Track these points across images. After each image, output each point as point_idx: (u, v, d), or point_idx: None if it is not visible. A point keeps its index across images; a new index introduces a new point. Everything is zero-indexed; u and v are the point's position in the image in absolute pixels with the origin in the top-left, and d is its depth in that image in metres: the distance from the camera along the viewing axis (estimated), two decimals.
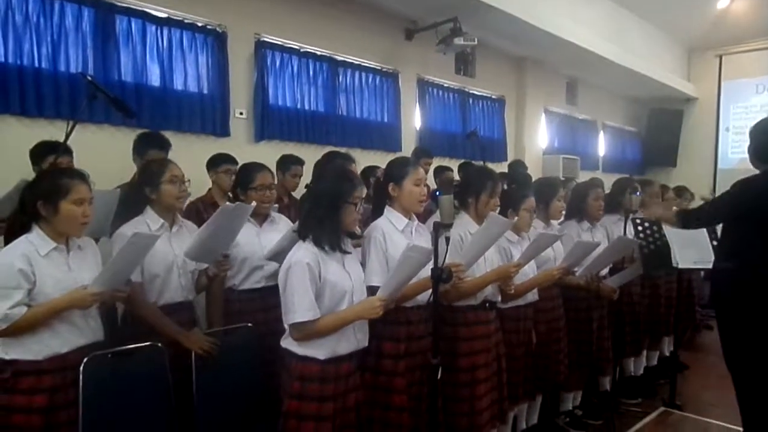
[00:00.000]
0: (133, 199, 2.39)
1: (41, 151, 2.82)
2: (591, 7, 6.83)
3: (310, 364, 1.96)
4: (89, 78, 2.65)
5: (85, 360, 1.92)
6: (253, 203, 2.46)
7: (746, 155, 3.06)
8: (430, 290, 2.07)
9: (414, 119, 5.81)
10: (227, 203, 2.43)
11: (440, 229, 2.01)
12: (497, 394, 2.62)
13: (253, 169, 2.75)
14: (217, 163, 3.41)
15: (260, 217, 2.72)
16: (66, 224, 1.94)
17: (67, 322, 1.92)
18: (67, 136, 2.62)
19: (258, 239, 2.67)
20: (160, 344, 2.18)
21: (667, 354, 4.59)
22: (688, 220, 3.24)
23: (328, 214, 1.99)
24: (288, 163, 3.79)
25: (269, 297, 2.63)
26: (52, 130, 3.21)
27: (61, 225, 1.93)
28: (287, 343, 2.01)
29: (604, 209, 3.71)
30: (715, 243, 3.41)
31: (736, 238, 2.94)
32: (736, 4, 7.42)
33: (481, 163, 5.09)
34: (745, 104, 8.63)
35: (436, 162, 5.30)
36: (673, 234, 3.49)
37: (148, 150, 3.12)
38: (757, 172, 2.98)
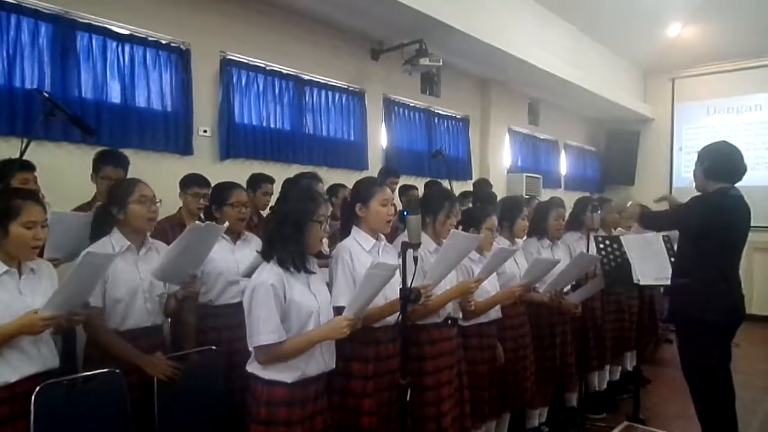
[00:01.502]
0: (100, 220, 2.32)
1: (5, 170, 2.71)
2: (552, 32, 7.04)
3: (276, 389, 1.91)
4: (45, 94, 2.57)
5: (36, 389, 1.82)
6: (226, 224, 2.44)
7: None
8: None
9: (380, 138, 5.83)
10: (197, 222, 2.38)
11: (408, 249, 2.01)
12: (459, 411, 2.62)
13: (228, 186, 2.81)
14: (186, 184, 3.35)
15: (234, 234, 2.78)
16: (15, 247, 1.86)
17: (16, 349, 1.82)
18: (22, 153, 2.54)
19: (233, 255, 2.71)
20: (118, 370, 2.09)
21: (630, 369, 4.67)
22: (648, 221, 3.41)
23: (293, 235, 1.97)
24: (258, 181, 3.76)
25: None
26: (7, 148, 3.10)
27: (11, 248, 1.86)
28: (253, 367, 1.96)
29: (566, 227, 3.79)
30: (674, 260, 3.51)
31: (693, 255, 3.04)
32: (687, 31, 7.78)
33: (447, 182, 5.16)
34: (696, 125, 8.99)
35: (402, 181, 5.32)
36: (633, 251, 3.57)
37: (103, 167, 3.05)
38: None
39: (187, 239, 2.17)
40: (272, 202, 3.78)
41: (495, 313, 2.95)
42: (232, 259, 2.68)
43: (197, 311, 2.66)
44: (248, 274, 2.44)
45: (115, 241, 2.27)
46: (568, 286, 3.59)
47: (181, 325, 2.59)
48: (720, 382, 2.96)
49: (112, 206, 2.29)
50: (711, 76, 8.73)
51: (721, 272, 2.97)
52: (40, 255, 2.06)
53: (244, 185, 3.50)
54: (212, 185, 3.01)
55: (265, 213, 3.85)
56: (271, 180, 3.82)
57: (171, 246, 2.23)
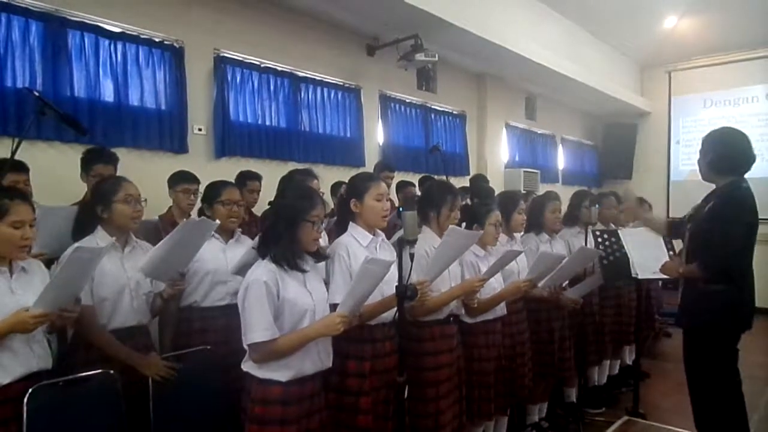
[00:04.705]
0: (84, 218, 2.29)
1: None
2: (549, 26, 7.02)
3: (271, 387, 1.89)
4: (36, 93, 2.54)
5: (29, 391, 1.80)
6: (217, 221, 2.40)
7: (695, 167, 2.97)
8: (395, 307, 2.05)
9: (377, 134, 5.81)
10: (191, 217, 2.36)
11: (404, 245, 1.99)
12: (458, 409, 2.61)
13: (220, 185, 2.76)
14: (175, 181, 3.32)
15: (226, 233, 2.71)
16: (3, 247, 1.83)
17: (8, 350, 1.80)
18: (13, 153, 2.51)
19: (224, 255, 2.64)
20: (112, 371, 2.07)
21: (629, 363, 4.66)
22: (710, 271, 2.78)
23: (286, 232, 1.95)
24: (244, 178, 3.74)
25: (233, 315, 2.56)
26: None
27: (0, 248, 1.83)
28: (248, 366, 1.94)
29: (564, 222, 3.77)
30: (672, 253, 3.44)
31: (709, 258, 2.72)
32: (683, 24, 7.76)
33: (444, 178, 5.13)
34: (693, 118, 8.99)
35: (399, 177, 5.30)
36: (631, 245, 3.54)
37: (93, 165, 3.03)
38: (706, 184, 2.91)
39: (180, 234, 2.14)
40: (260, 199, 3.74)
41: (500, 309, 2.93)
42: (222, 259, 2.61)
43: (180, 314, 2.62)
44: (239, 272, 2.44)
45: (99, 239, 2.24)
46: (566, 282, 3.57)
47: (164, 325, 2.56)
48: (729, 390, 2.77)
49: (97, 204, 2.26)
50: (707, 68, 8.72)
51: (736, 274, 2.70)
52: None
53: None
54: (206, 184, 2.97)
55: (254, 210, 3.82)
56: (258, 177, 3.79)
57: (162, 241, 2.19)
